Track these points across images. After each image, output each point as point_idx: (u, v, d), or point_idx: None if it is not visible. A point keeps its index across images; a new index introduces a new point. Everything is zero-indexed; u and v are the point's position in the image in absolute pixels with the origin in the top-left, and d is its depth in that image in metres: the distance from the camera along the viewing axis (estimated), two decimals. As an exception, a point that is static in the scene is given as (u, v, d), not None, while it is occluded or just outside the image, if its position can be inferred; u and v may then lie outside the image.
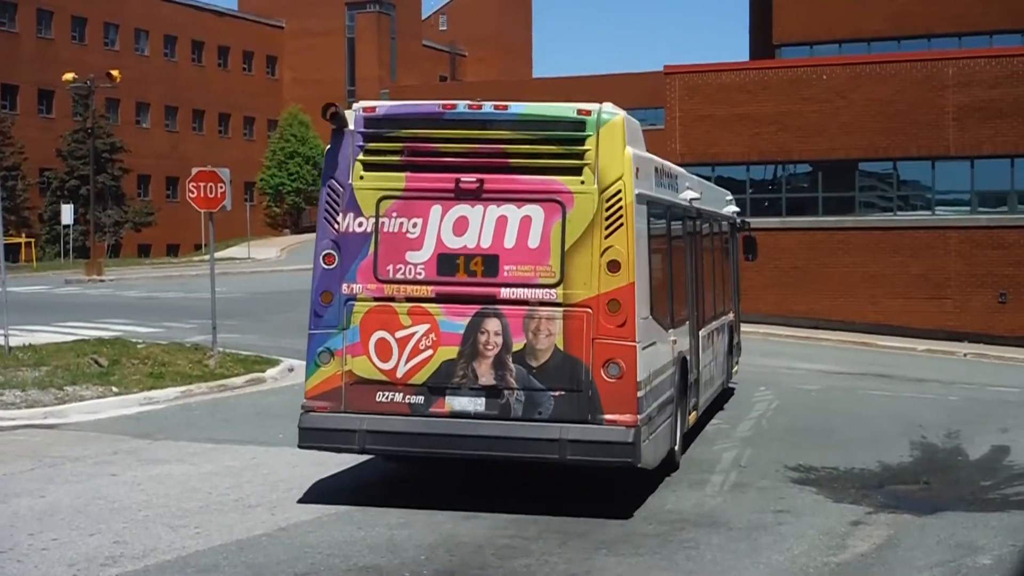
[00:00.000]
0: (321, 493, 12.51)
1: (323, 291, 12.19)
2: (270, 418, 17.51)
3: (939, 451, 16.88)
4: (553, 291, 11.76)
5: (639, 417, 11.65)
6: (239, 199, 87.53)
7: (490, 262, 11.90)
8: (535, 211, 11.85)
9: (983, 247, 36.48)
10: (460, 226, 11.96)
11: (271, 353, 24.39)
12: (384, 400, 11.95)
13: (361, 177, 12.10)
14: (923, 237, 36.93)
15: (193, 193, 23.49)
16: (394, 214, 12.05)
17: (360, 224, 12.10)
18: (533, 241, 11.87)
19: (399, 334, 11.96)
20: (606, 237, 11.73)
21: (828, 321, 37.31)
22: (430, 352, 11.88)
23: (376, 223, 12.06)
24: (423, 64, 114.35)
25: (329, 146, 12.24)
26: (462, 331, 11.86)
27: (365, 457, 13.57)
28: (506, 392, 11.78)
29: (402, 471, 13.75)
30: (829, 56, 45.36)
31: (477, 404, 11.84)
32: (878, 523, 12.02)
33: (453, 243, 11.96)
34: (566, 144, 12.00)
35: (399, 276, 12.01)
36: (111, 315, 33.60)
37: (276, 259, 72.58)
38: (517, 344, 11.77)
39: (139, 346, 24.14)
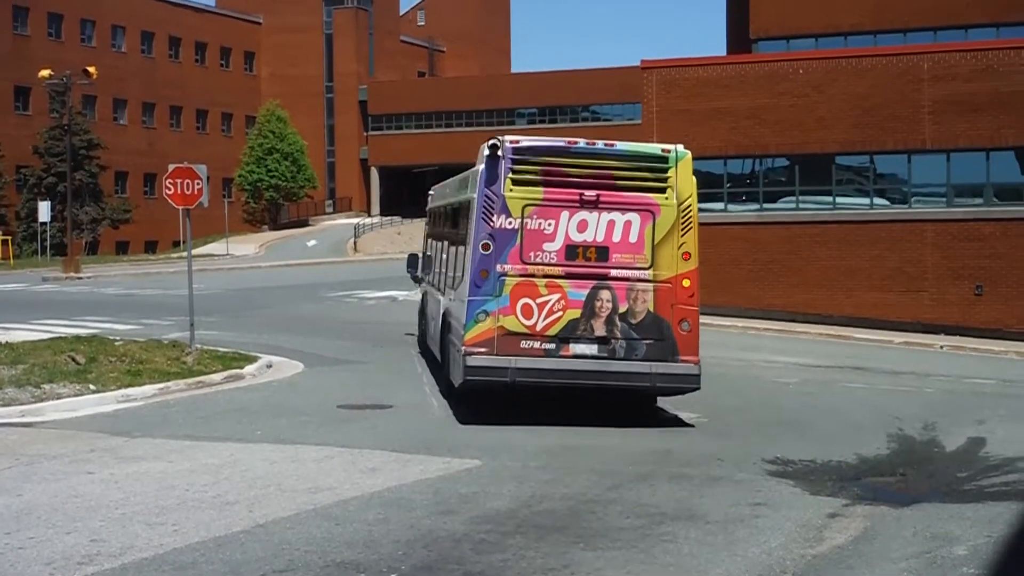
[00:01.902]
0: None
1: (481, 269, 16.94)
2: (248, 415, 17.47)
3: (916, 443, 16.95)
4: (647, 272, 17.12)
5: (699, 359, 17.24)
6: (217, 195, 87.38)
7: (603, 251, 17.13)
8: (634, 217, 17.14)
9: (959, 240, 36.59)
10: (582, 226, 17.11)
11: (249, 350, 24.34)
12: (526, 347, 16.89)
13: (511, 189, 17.02)
14: (899, 230, 37.04)
15: (170, 190, 23.43)
16: (534, 216, 17.05)
17: (510, 223, 16.98)
18: (633, 238, 17.14)
19: (538, 300, 16.94)
20: (681, 236, 17.21)
21: (805, 314, 37.40)
22: (560, 313, 16.95)
23: (521, 222, 17.01)
24: (401, 60, 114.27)
25: (485, 166, 17.00)
26: (583, 298, 16.97)
27: (333, 452, 13.53)
28: (613, 341, 16.99)
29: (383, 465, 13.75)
30: (805, 51, 45.47)
31: (593, 349, 16.98)
32: (855, 515, 12.06)
33: (577, 237, 17.09)
34: (655, 171, 17.30)
35: (538, 260, 17.03)
36: (89, 312, 33.49)
37: (255, 255, 72.43)
38: (622, 308, 17.01)
39: (117, 343, 24.06)
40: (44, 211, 64.91)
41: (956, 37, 47.05)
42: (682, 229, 17.18)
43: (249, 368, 22.00)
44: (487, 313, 16.83)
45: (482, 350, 16.79)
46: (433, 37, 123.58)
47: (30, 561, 9.73)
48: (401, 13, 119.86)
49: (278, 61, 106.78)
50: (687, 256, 17.19)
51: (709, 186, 39.58)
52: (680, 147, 17.41)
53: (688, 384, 17.32)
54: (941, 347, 33.72)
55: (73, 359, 21.31)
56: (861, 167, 38.83)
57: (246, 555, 10.00)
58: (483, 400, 18.26)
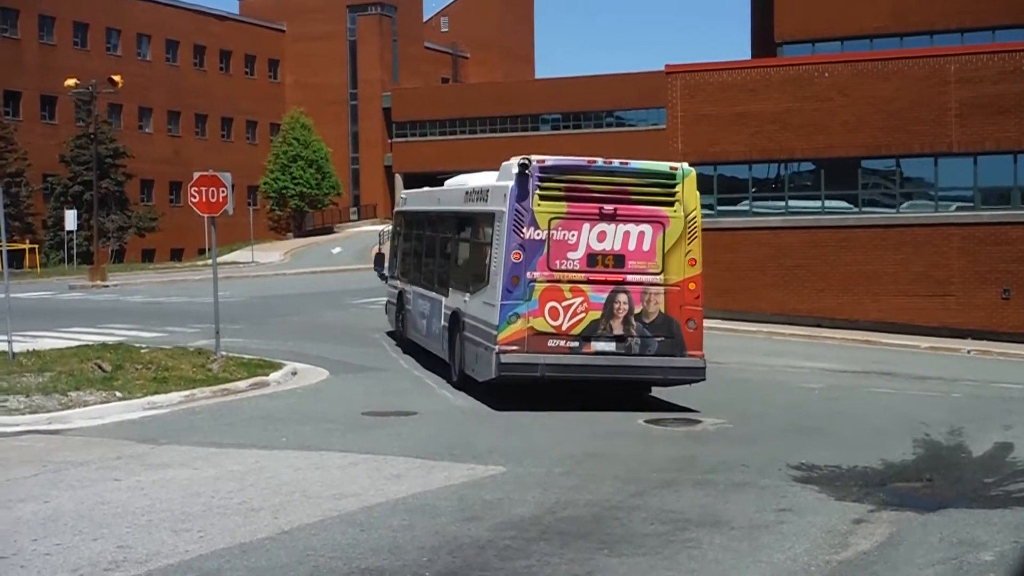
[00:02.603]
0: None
1: (513, 276, 18.74)
2: (274, 422, 17.54)
3: (942, 448, 16.89)
4: (659, 277, 19.16)
5: (704, 353, 19.49)
6: (242, 203, 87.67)
7: (620, 259, 19.07)
8: (647, 228, 19.15)
9: (986, 244, 36.44)
10: (601, 236, 19.01)
11: (275, 357, 24.43)
12: (553, 345, 18.84)
13: (539, 204, 18.81)
14: (926, 234, 36.90)
15: (195, 198, 23.52)
16: (559, 228, 18.91)
17: (538, 234, 18.82)
18: (646, 246, 19.13)
19: (563, 303, 18.86)
20: (688, 244, 19.36)
21: (831, 319, 37.31)
22: (583, 314, 18.89)
23: (548, 233, 18.86)
24: (425, 66, 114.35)
25: (516, 183, 18.76)
26: (603, 301, 18.93)
27: (359, 458, 13.57)
28: (629, 338, 19.04)
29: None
30: (830, 54, 45.34)
31: (611, 346, 18.99)
32: (880, 521, 12.04)
33: (597, 247, 19.00)
34: (665, 187, 19.32)
35: (563, 267, 18.91)
36: (115, 320, 33.65)
37: (280, 263, 72.62)
38: (637, 309, 19.03)
39: (143, 351, 24.16)
40: (70, 220, 65.17)
41: (983, 39, 46.85)
42: (688, 238, 19.38)
43: (274, 375, 22.07)
44: (518, 315, 18.78)
45: (514, 348, 18.72)
46: (457, 43, 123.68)
47: (57, 567, 9.81)
48: (425, 20, 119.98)
49: (302, 68, 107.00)
50: (693, 262, 19.43)
51: (734, 191, 39.57)
52: (685, 165, 19.61)
53: (695, 376, 19.57)
54: (968, 352, 33.59)
55: (100, 367, 21.43)
56: (887, 171, 38.72)
57: (271, 561, 10.05)
58: (506, 404, 18.88)
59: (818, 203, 38.69)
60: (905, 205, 38.04)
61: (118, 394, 19.23)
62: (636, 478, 13.80)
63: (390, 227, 31.14)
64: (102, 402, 18.67)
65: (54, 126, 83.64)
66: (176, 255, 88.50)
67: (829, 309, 37.49)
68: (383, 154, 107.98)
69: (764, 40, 54.65)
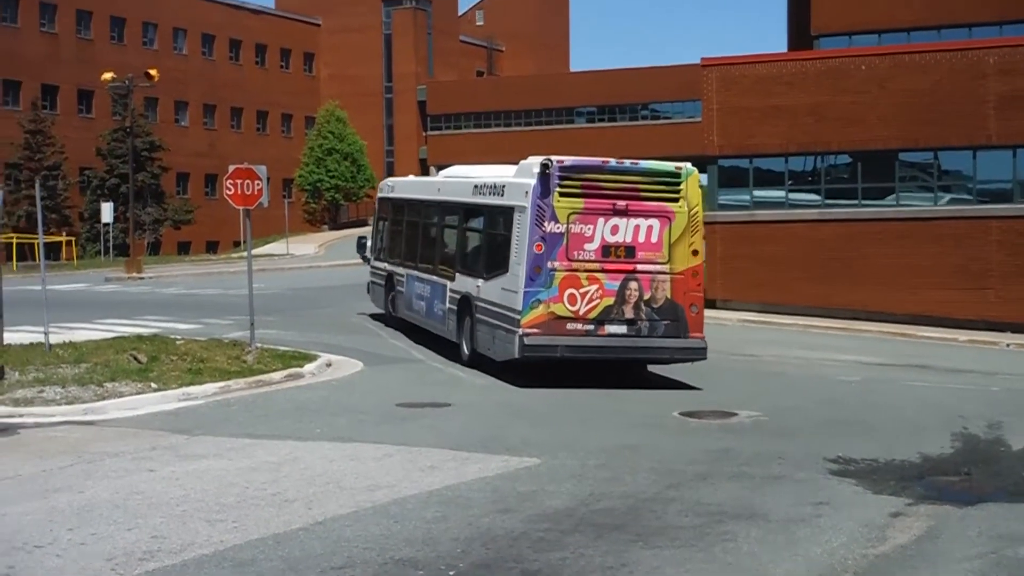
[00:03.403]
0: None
1: (535, 266, 20.47)
2: (308, 413, 17.56)
3: (980, 442, 16.75)
4: (665, 266, 20.94)
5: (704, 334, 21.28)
6: (277, 196, 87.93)
7: (631, 250, 20.84)
8: (655, 222, 20.93)
9: (1026, 236, 36.12)
10: (614, 230, 20.77)
11: (309, 349, 24.45)
12: (571, 328, 20.62)
13: (558, 200, 20.54)
14: (964, 227, 36.59)
15: (230, 190, 23.61)
16: (577, 222, 20.65)
17: (558, 228, 20.56)
18: (654, 239, 20.90)
19: (581, 290, 20.61)
20: (691, 236, 21.06)
21: (868, 312, 37.05)
22: (598, 300, 20.66)
23: (567, 227, 20.59)
24: (460, 59, 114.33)
25: (538, 181, 20.48)
26: (616, 288, 20.71)
27: (398, 451, 13.56)
28: (639, 322, 20.86)
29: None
30: (867, 47, 45.05)
31: (623, 329, 20.81)
32: (918, 515, 11.94)
33: (610, 239, 20.76)
34: (671, 185, 21.17)
35: (580, 257, 20.64)
36: (150, 312, 33.79)
37: (314, 255, 72.76)
38: (646, 295, 20.82)
39: (178, 342, 24.25)
40: (107, 212, 65.48)
41: (1022, 32, 46.44)
42: (691, 231, 21.13)
43: (308, 367, 22.10)
44: (540, 301, 20.51)
45: (536, 331, 20.49)
46: (492, 36, 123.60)
47: (92, 557, 9.83)
48: (460, 13, 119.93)
49: (337, 62, 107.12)
50: (695, 253, 21.17)
51: (770, 184, 39.39)
52: (688, 165, 21.46)
53: (697, 356, 21.49)
54: (1007, 345, 33.31)
55: (135, 358, 21.51)
56: (924, 163, 38.44)
57: (305, 552, 10.05)
58: (538, 395, 19.31)
59: (855, 196, 38.41)
60: (945, 200, 37.72)
61: (153, 385, 19.29)
62: (671, 470, 13.74)
63: None
64: (137, 393, 18.73)
65: (91, 120, 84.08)
66: (211, 247, 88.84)
67: (866, 302, 37.24)
68: (418, 147, 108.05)
69: (800, 33, 54.40)
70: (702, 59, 40.87)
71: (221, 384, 19.82)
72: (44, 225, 25.77)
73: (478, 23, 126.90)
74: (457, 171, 28.51)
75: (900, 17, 50.32)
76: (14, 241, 62.91)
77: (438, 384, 21.10)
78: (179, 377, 20.01)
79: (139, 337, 25.32)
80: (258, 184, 23.55)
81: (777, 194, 39.32)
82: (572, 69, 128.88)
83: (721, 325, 35.11)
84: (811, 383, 23.29)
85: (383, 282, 30.83)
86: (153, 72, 57.59)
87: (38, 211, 24.86)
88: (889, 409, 19.93)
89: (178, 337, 25.62)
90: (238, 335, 26.12)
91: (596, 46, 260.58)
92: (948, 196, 37.79)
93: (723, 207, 39.69)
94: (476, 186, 24.08)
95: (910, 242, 37.04)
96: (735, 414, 18.49)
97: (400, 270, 29.01)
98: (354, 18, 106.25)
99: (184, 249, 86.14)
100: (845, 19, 50.93)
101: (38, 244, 23.66)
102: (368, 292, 33.19)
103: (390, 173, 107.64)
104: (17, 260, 61.84)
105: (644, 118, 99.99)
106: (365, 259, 33.28)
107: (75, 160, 78.43)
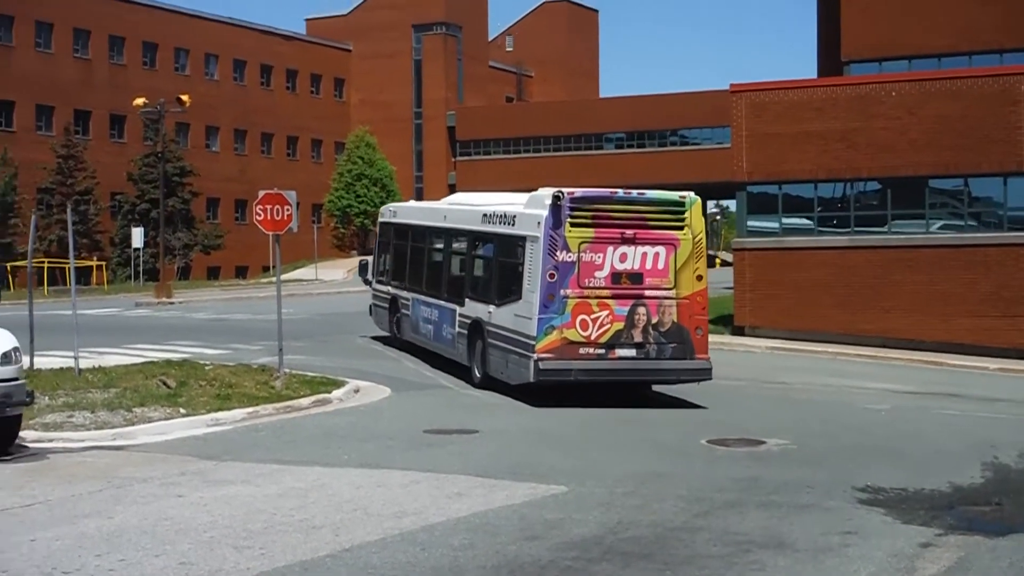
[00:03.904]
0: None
1: (549, 293, 21.34)
2: (336, 439, 17.59)
3: (1012, 472, 16.63)
4: (672, 292, 21.90)
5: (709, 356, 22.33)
6: (306, 221, 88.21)
7: (639, 277, 21.80)
8: (661, 249, 21.90)
9: (1057, 264, 35.91)
10: (623, 257, 21.73)
11: (337, 374, 24.50)
12: (583, 352, 21.50)
13: (570, 230, 21.48)
14: (995, 254, 36.41)
15: (260, 216, 23.73)
16: (587, 250, 21.58)
17: (570, 256, 21.49)
18: (660, 265, 21.88)
19: (592, 316, 21.52)
20: (695, 263, 22.04)
21: (897, 340, 36.87)
22: (609, 325, 21.59)
23: (578, 256, 21.53)
24: (489, 85, 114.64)
25: (550, 212, 21.40)
26: (625, 313, 21.65)
27: (426, 477, 13.57)
28: (648, 345, 21.80)
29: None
30: (898, 72, 44.95)
31: (633, 352, 21.76)
32: (948, 545, 11.86)
33: (619, 266, 21.71)
34: (676, 214, 22.13)
35: (591, 285, 21.57)
36: (180, 337, 33.93)
37: (343, 280, 72.91)
38: (654, 320, 21.78)
39: (207, 368, 24.35)
40: (137, 237, 65.85)
41: (1054, 58, 46.27)
42: (696, 257, 22.09)
43: (337, 393, 22.15)
44: (553, 327, 21.40)
45: (550, 356, 21.37)
46: (521, 62, 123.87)
47: (120, 583, 9.86)
48: (490, 39, 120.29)
49: (367, 87, 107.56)
50: (699, 278, 22.12)
51: (799, 210, 39.30)
52: (691, 194, 22.42)
53: (703, 376, 22.42)
54: (1039, 374, 33.06)
55: (164, 383, 21.60)
56: (955, 190, 38.29)
57: (332, 579, 10.05)
58: (566, 424, 19.30)
59: (884, 223, 38.27)
60: (976, 227, 37.51)
61: (182, 410, 19.37)
62: (699, 498, 13.69)
63: None
64: (166, 418, 18.81)
65: (123, 145, 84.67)
66: (241, 272, 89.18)
67: (896, 329, 37.07)
68: (447, 172, 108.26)
69: (831, 59, 54.33)
70: (731, 85, 40.85)
71: (249, 410, 19.88)
72: (75, 250, 25.94)
73: (507, 49, 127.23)
74: (462, 199, 30.28)
75: (931, 43, 50.21)
76: (45, 265, 63.38)
77: (465, 410, 21.12)
78: (208, 402, 20.08)
79: (168, 362, 25.44)
80: (288, 209, 23.65)
81: (806, 221, 39.23)
82: (601, 95, 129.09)
83: (749, 352, 35.05)
84: (840, 411, 23.19)
85: (387, 305, 31.78)
86: (185, 97, 58.05)
87: (69, 236, 25.03)
88: (919, 438, 19.82)
89: (207, 362, 25.72)
90: (266, 360, 26.20)
91: (625, 71, 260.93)
92: (979, 223, 37.59)
93: (752, 233, 39.64)
94: (485, 215, 24.97)
95: (940, 269, 36.88)
96: (763, 442, 18.42)
97: (405, 293, 30.08)
98: (385, 44, 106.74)
99: (214, 274, 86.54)
100: (875, 45, 50.87)
101: (69, 269, 23.83)
102: (371, 314, 33.92)
103: (419, 198, 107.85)
104: (48, 284, 62.27)
105: (673, 144, 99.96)
106: (367, 282, 34.40)
107: (106, 185, 78.95)
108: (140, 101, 59.59)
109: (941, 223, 37.95)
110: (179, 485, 14.01)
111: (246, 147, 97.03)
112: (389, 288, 31.60)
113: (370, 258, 34.96)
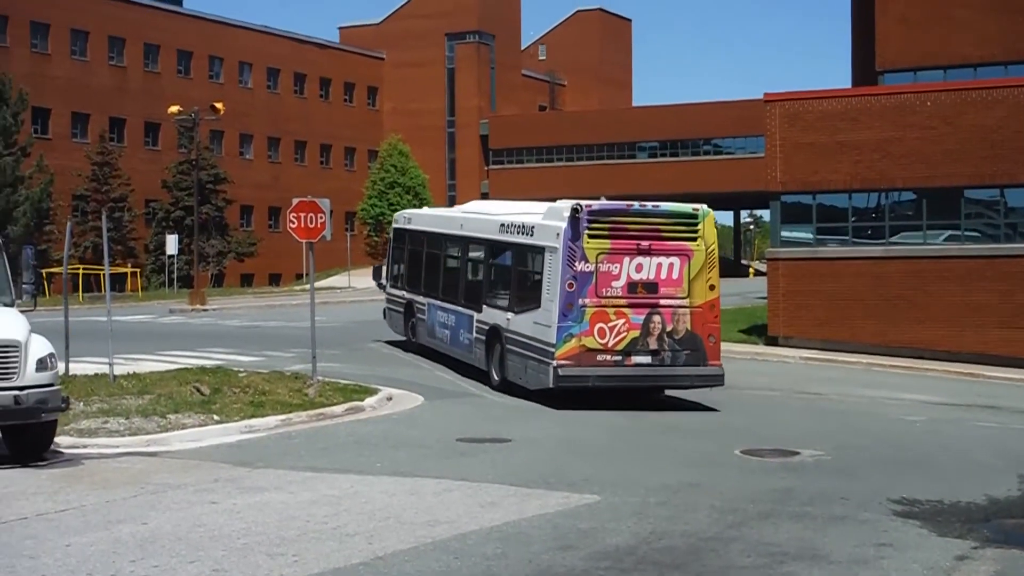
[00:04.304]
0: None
1: (568, 303, 22.26)
2: (368, 447, 17.62)
3: (1048, 484, 16.50)
4: (686, 300, 22.87)
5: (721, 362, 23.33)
6: (340, 229, 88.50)
7: (654, 286, 22.74)
8: (675, 260, 22.83)
9: (1094, 275, 35.62)
10: (639, 268, 22.65)
11: (370, 382, 24.57)
12: (601, 359, 22.44)
13: (588, 242, 22.40)
14: (1031, 265, 36.14)
15: (294, 223, 23.82)
16: (605, 261, 22.52)
17: (588, 267, 22.40)
18: (675, 275, 22.80)
19: (609, 324, 22.45)
20: (708, 272, 22.99)
21: (932, 351, 36.66)
22: (625, 333, 22.52)
23: (596, 266, 22.45)
24: (522, 94, 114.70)
25: (568, 224, 22.27)
26: (641, 321, 22.58)
27: (458, 488, 13.57)
28: (663, 352, 22.73)
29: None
30: (933, 82, 44.73)
31: (648, 359, 22.69)
32: (984, 558, 11.78)
33: (635, 276, 22.64)
34: (689, 226, 23.11)
35: (608, 294, 22.51)
36: (213, 344, 34.08)
37: (376, 288, 73.06)
38: (668, 328, 22.73)
39: (240, 375, 24.44)
40: (172, 244, 66.22)
41: (1091, 67, 45.94)
42: (708, 267, 23.01)
43: (369, 400, 22.20)
44: (572, 335, 22.30)
45: (569, 362, 22.29)
46: (554, 71, 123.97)
47: (154, 589, 9.90)
48: (523, 47, 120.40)
49: (400, 96, 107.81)
50: (712, 287, 23.06)
51: (833, 220, 39.12)
52: (704, 207, 23.35)
53: (716, 382, 23.51)
54: (1075, 386, 32.79)
55: (198, 390, 21.70)
56: (991, 201, 38.06)
57: (365, 587, 10.05)
58: (599, 433, 19.25)
59: (919, 233, 38.08)
60: (1012, 237, 37.25)
61: (216, 417, 19.45)
62: (733, 509, 13.65)
63: None
64: (200, 425, 18.89)
65: (157, 152, 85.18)
66: (274, 280, 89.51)
67: (930, 340, 36.86)
68: (480, 181, 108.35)
69: (865, 68, 54.08)
70: (765, 94, 40.74)
71: (283, 417, 19.95)
72: (110, 256, 26.07)
73: (540, 57, 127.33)
74: (477, 207, 31.86)
75: (966, 53, 49.91)
76: (80, 272, 63.77)
77: (497, 419, 21.12)
78: (241, 409, 20.16)
79: (202, 369, 25.55)
80: (321, 217, 23.72)
81: (841, 231, 39.06)
82: (634, 104, 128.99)
83: (783, 363, 34.93)
84: (875, 422, 23.08)
85: (402, 309, 32.78)
86: (219, 105, 58.33)
87: (104, 243, 25.16)
88: (954, 450, 19.70)
89: (241, 369, 25.82)
90: (300, 368, 26.28)
91: (659, 80, 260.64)
92: (1015, 234, 37.33)
93: (786, 243, 39.52)
94: (503, 224, 25.96)
95: (975, 280, 36.65)
96: (797, 453, 18.35)
97: (420, 299, 31.11)
98: (418, 52, 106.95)
99: (247, 281, 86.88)
100: (910, 55, 50.60)
101: (104, 275, 23.95)
102: (384, 318, 34.83)
103: (452, 207, 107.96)
104: (83, 291, 62.64)
105: (706, 153, 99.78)
106: (380, 286, 35.56)
107: (141, 192, 79.47)
108: (174, 109, 59.97)
109: (975, 234, 37.73)
110: (213, 492, 14.06)
111: (279, 155, 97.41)
112: (404, 293, 32.63)
113: (384, 263, 36.23)
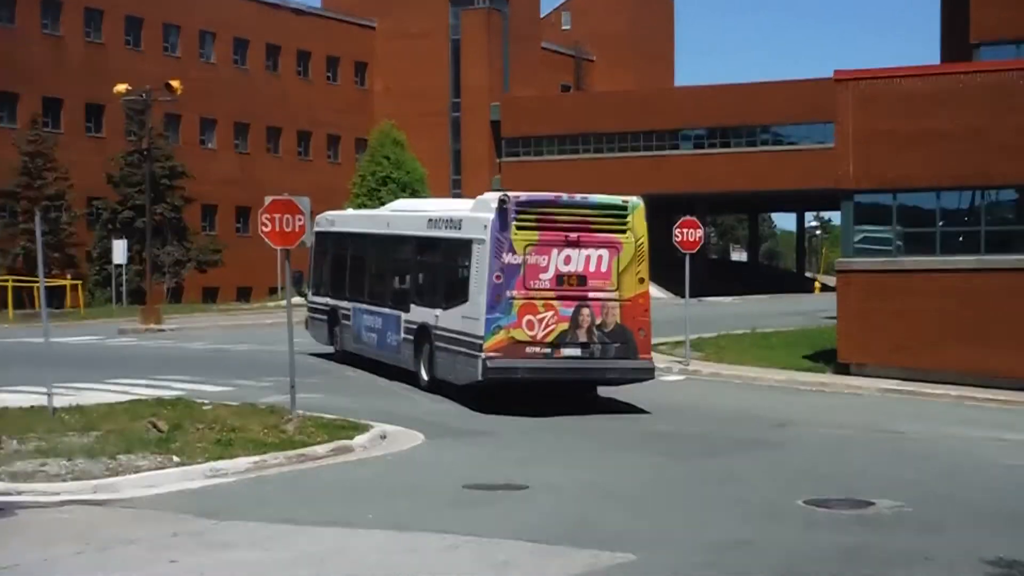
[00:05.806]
0: None
1: (496, 295, 26.02)
2: (358, 494, 17.74)
3: None
4: (615, 293, 26.79)
5: (652, 356, 27.89)
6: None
7: (582, 279, 26.59)
8: (604, 252, 26.77)
9: None
10: (567, 260, 26.52)
11: (360, 417, 24.61)
12: (530, 352, 26.27)
13: (516, 233, 26.19)
14: None
15: (267, 226, 23.88)
16: (533, 253, 26.31)
17: (516, 258, 26.19)
18: (604, 268, 26.74)
19: (538, 316, 26.28)
20: (637, 266, 26.96)
21: (1038, 383, 36.59)
22: (554, 325, 26.37)
23: (524, 258, 26.23)
24: (542, 71, 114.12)
25: (496, 216, 26.19)
26: (570, 314, 26.44)
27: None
28: (592, 345, 26.65)
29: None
30: (1040, 57, 44.72)
31: (578, 352, 26.62)
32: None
33: (564, 269, 26.49)
34: (619, 218, 27.16)
35: (536, 286, 26.33)
36: (172, 371, 34.20)
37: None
38: (598, 320, 26.60)
39: (205, 408, 24.56)
40: (119, 251, 66.24)
41: None
42: (638, 260, 26.99)
43: (360, 439, 22.30)
44: (500, 327, 26.10)
45: (498, 354, 26.06)
46: (580, 43, 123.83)
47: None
48: (543, 15, 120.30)
49: (395, 73, 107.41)
50: (641, 280, 27.01)
51: (917, 224, 39.08)
52: (635, 199, 27.34)
53: (646, 376, 27.62)
54: None
55: (154, 426, 21.81)
56: (1111, 201, 38.00)
57: (356, 660, 10.19)
58: (633, 478, 19.14)
59: (1022, 241, 38.00)
60: None
61: (175, 458, 19.56)
62: (793, 572, 13.74)
63: None
64: (157, 468, 19.01)
65: (101, 140, 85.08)
66: (243, 294, 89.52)
67: (1035, 370, 36.77)
68: (490, 176, 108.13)
69: (957, 42, 54.08)
70: (835, 72, 40.74)
71: (256, 458, 20.05)
72: (45, 266, 26.23)
73: (564, 27, 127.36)
74: (404, 205, 37.05)
75: (1080, 21, 49.89)
76: (10, 284, 63.75)
77: (510, 463, 21.18)
78: (206, 449, 20.28)
79: (159, 401, 25.65)
80: (300, 219, 23.82)
81: (927, 237, 39.03)
82: (677, 84, 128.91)
83: (856, 394, 34.97)
84: (967, 467, 23.10)
85: (325, 317, 37.14)
86: (175, 83, 58.20)
87: (38, 249, 25.15)
88: (1062, 501, 19.75)
89: (205, 402, 25.94)
90: (276, 400, 26.40)
91: (706, 56, 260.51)
92: None
93: (860, 252, 39.43)
94: (431, 220, 30.18)
95: (1091, 297, 36.56)
96: (872, 503, 18.42)
97: (345, 304, 35.59)
98: (416, 20, 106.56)
99: (211, 296, 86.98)
100: (1012, 24, 50.57)
101: (38, 288, 24.11)
102: (307, 328, 38.60)
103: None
104: (14, 307, 62.69)
105: (764, 143, 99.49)
106: (302, 294, 40.08)
107: (82, 188, 79.20)
108: (122, 88, 59.83)
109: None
110: (172, 548, 14.17)
111: (249, 144, 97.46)
112: (328, 299, 37.04)
113: (305, 271, 40.02)
